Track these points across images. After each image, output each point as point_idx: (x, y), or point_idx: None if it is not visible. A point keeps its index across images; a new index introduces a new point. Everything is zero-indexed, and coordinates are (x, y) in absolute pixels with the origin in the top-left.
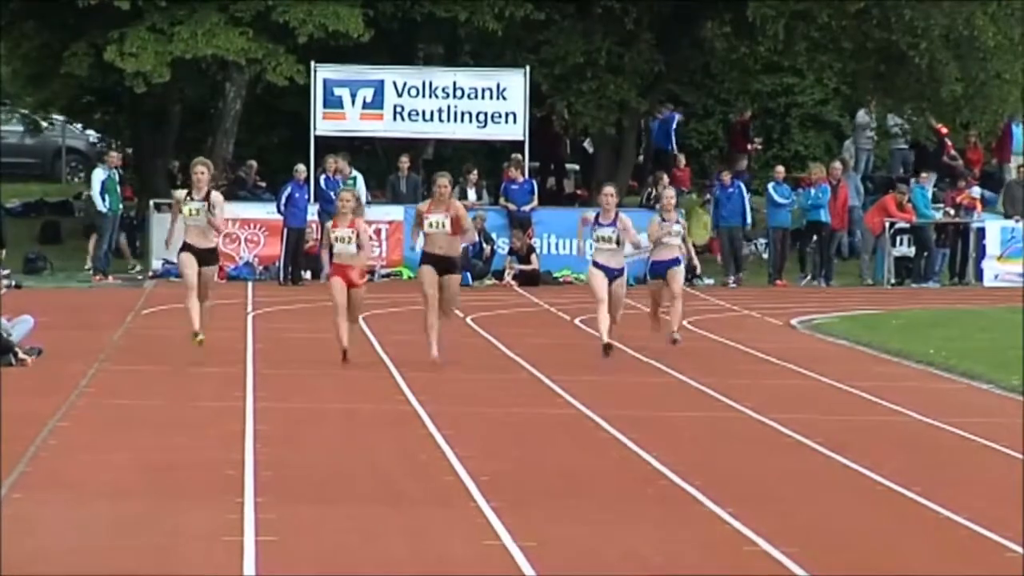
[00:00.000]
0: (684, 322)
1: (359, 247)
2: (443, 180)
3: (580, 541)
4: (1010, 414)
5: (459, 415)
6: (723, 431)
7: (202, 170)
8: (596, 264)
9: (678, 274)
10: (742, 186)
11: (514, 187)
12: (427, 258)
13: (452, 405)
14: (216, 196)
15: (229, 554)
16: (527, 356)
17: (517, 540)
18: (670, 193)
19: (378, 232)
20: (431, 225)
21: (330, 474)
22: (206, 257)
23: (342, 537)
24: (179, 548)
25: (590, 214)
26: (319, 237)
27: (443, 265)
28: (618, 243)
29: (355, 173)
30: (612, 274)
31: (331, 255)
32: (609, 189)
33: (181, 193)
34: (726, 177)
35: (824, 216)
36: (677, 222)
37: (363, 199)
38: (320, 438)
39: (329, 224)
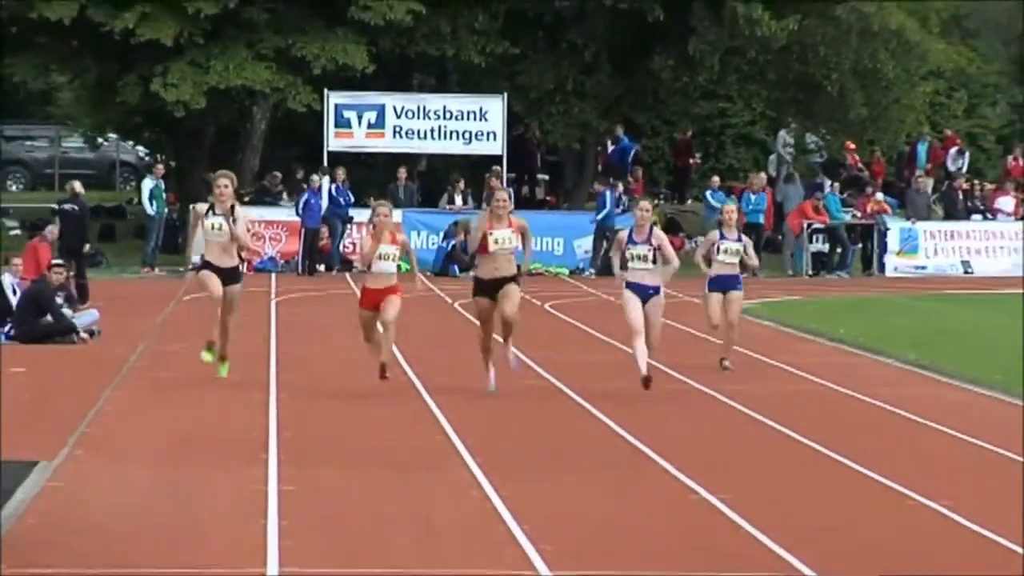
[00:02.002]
0: None
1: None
2: (503, 194)
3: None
4: (908, 384)
5: (448, 386)
6: (670, 400)
7: (225, 183)
8: (629, 285)
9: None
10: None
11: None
12: (483, 286)
13: (441, 376)
14: (240, 211)
15: (255, 502)
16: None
17: (499, 492)
18: (730, 207)
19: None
20: (496, 242)
21: (338, 436)
22: (229, 277)
23: (345, 489)
24: (209, 500)
25: (623, 234)
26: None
27: (500, 286)
28: (654, 261)
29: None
30: (648, 293)
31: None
32: (644, 204)
33: (202, 207)
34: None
35: (762, 219)
36: (738, 239)
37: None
38: (330, 407)
39: (368, 239)
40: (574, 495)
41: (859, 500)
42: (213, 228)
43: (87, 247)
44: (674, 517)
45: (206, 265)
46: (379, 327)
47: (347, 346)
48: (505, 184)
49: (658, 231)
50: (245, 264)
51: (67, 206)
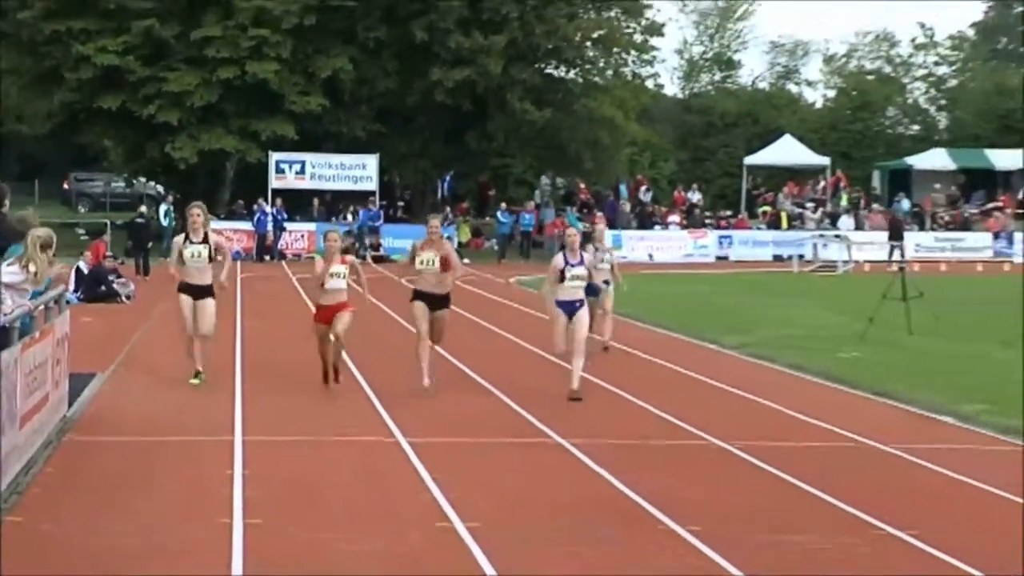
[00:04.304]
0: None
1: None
2: (435, 221)
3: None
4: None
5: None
6: (490, 351)
7: (198, 212)
8: (559, 303)
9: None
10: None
11: (371, 213)
12: (419, 295)
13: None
14: (216, 238)
15: (231, 410)
16: (389, 305)
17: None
18: (572, 231)
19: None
20: (423, 263)
21: (293, 367)
22: (202, 292)
23: (301, 401)
24: (201, 408)
25: (559, 260)
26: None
27: (435, 302)
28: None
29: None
30: (574, 308)
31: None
32: (572, 231)
33: (180, 239)
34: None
35: (531, 229)
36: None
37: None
38: (281, 332)
39: (320, 260)
40: (482, 456)
41: (705, 461)
42: (193, 256)
43: (150, 243)
44: (566, 480)
45: (183, 287)
46: (331, 337)
47: (280, 297)
48: (377, 207)
49: (585, 254)
50: (214, 305)
51: (138, 219)
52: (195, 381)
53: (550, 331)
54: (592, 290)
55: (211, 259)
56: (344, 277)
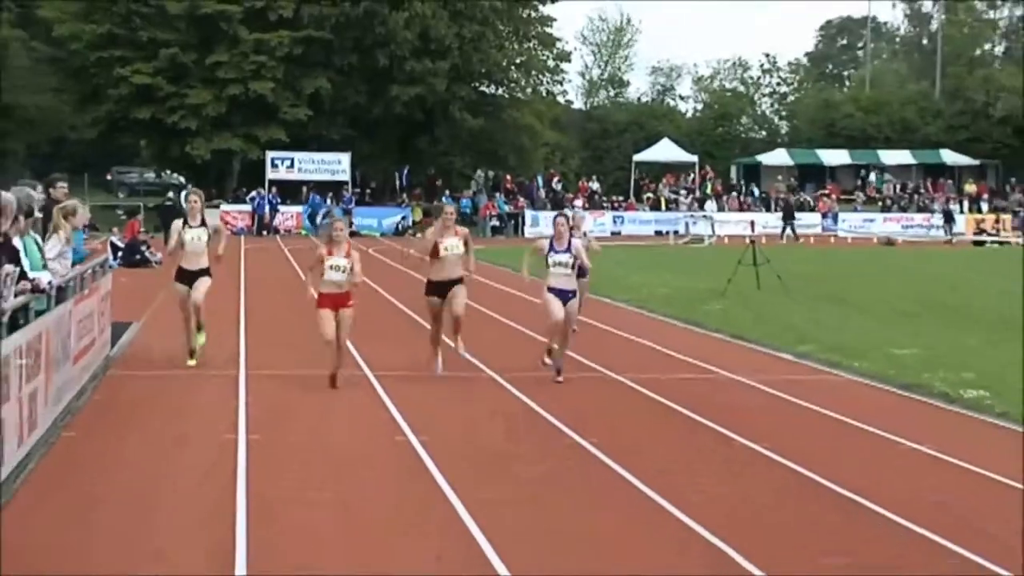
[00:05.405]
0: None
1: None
2: (450, 208)
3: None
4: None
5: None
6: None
7: (195, 199)
8: (551, 289)
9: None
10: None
11: (345, 197)
12: (433, 288)
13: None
14: (214, 222)
15: (236, 350)
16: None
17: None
18: (561, 220)
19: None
20: (447, 248)
21: (286, 316)
22: (198, 276)
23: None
24: (213, 349)
25: (543, 242)
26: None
27: (449, 287)
28: (572, 267)
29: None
30: (567, 297)
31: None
32: (560, 219)
33: (179, 223)
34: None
35: (470, 211)
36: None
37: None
38: (276, 292)
39: (323, 251)
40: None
41: (641, 409)
42: (192, 240)
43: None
44: (494, 402)
45: (179, 273)
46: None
47: (274, 264)
48: (350, 193)
49: (575, 240)
50: (209, 283)
51: (166, 203)
52: (192, 362)
53: (544, 310)
54: (583, 272)
55: (211, 252)
56: (346, 271)
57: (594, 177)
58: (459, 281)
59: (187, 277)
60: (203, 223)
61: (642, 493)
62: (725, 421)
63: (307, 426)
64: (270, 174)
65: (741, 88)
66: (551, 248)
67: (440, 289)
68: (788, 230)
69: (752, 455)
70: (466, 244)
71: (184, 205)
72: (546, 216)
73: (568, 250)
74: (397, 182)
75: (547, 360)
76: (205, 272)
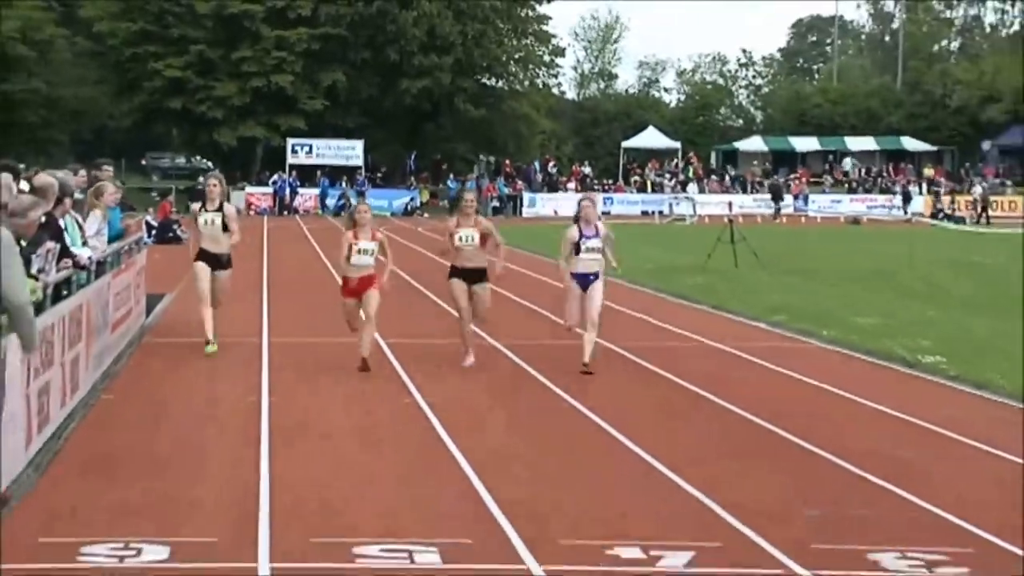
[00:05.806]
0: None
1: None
2: (469, 195)
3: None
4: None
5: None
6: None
7: (215, 183)
8: (575, 275)
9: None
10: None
11: (359, 179)
12: (456, 271)
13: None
14: (229, 208)
15: (259, 318)
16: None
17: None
18: (587, 203)
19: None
20: (462, 239)
21: (305, 288)
22: (220, 262)
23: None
24: (238, 317)
25: (573, 231)
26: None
27: (473, 276)
28: (601, 251)
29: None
30: (589, 280)
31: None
32: (587, 202)
33: (196, 206)
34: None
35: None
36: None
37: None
38: (293, 265)
39: (350, 236)
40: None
41: (621, 370)
42: (206, 223)
43: None
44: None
45: (201, 254)
46: (362, 316)
47: (294, 241)
48: (364, 176)
49: (600, 224)
50: (230, 276)
51: (197, 187)
52: (210, 348)
53: (564, 304)
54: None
55: (225, 228)
56: (373, 254)
57: (586, 162)
58: (482, 273)
59: (209, 258)
60: (220, 208)
61: (632, 451)
62: (708, 386)
63: (322, 388)
64: (290, 159)
65: (720, 81)
66: (581, 235)
67: (462, 274)
68: (779, 210)
69: (727, 413)
70: (486, 236)
71: (204, 188)
72: (542, 198)
73: (597, 235)
74: (406, 167)
75: (576, 329)
76: (225, 262)
